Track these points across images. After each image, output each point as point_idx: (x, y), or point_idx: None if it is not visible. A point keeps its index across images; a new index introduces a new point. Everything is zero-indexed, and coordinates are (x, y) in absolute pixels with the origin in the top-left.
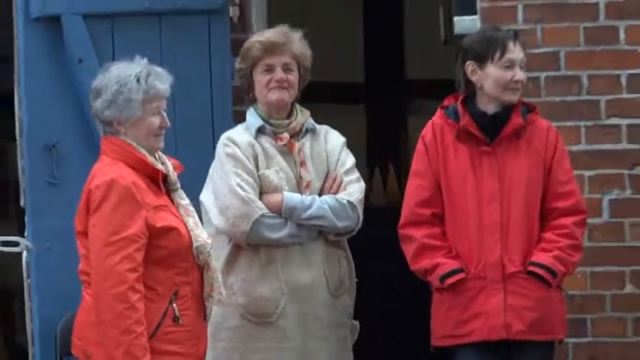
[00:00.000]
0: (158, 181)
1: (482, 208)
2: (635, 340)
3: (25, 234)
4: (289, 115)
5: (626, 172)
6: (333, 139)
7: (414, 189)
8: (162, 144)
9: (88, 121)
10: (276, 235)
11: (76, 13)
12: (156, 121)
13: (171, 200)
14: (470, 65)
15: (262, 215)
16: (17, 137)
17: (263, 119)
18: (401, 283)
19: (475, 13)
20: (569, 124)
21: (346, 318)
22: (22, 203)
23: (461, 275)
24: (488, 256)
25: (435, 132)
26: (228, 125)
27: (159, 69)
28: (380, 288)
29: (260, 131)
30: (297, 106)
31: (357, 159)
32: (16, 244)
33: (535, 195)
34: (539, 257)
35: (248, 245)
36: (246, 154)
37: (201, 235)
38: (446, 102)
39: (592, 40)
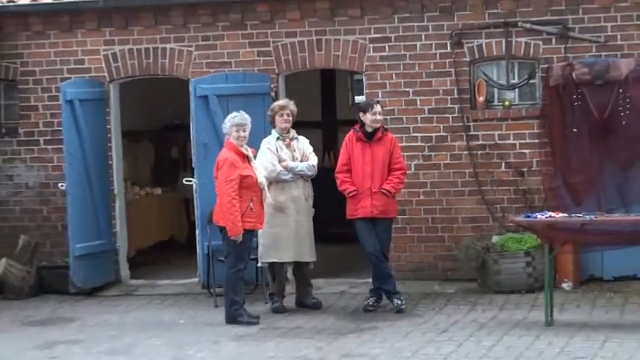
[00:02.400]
0: (244, 157)
1: (364, 168)
2: None
3: (195, 177)
4: (288, 132)
5: None
6: (303, 140)
7: (341, 158)
8: (244, 143)
9: (219, 133)
10: (284, 177)
11: (213, 94)
12: (240, 135)
13: (250, 164)
14: (360, 113)
15: (279, 171)
16: (192, 140)
17: (279, 134)
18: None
19: (363, 95)
20: None
21: (310, 208)
22: (193, 165)
23: (355, 191)
24: (365, 185)
25: (350, 137)
26: (267, 134)
27: (244, 114)
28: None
29: (278, 138)
30: (291, 129)
31: (316, 148)
32: (190, 181)
33: (386, 163)
34: (385, 186)
35: (275, 182)
36: (272, 148)
37: (259, 177)
38: (355, 126)
39: None
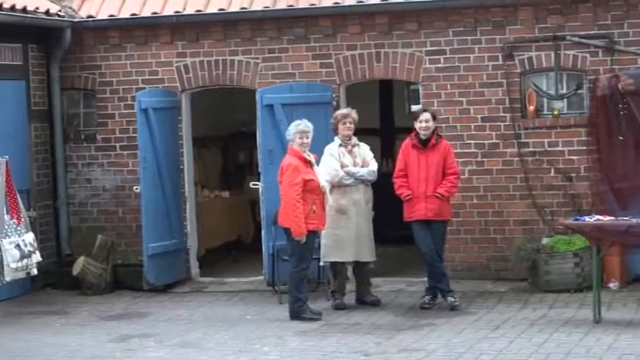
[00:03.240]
0: (307, 162)
1: (419, 173)
2: None
3: (261, 181)
4: (350, 139)
5: None
6: (364, 147)
7: (398, 164)
8: (306, 149)
9: (283, 140)
10: (346, 182)
11: (278, 103)
12: (303, 141)
13: (312, 169)
14: (414, 122)
15: (341, 176)
16: (258, 146)
17: (341, 141)
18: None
19: (419, 104)
20: None
21: (370, 211)
22: (259, 170)
23: (411, 195)
24: (419, 189)
25: (406, 144)
26: (330, 141)
27: (307, 122)
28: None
29: (340, 145)
30: (353, 136)
31: (374, 155)
32: (257, 184)
33: (440, 168)
34: (438, 190)
35: (337, 186)
36: (335, 154)
37: (321, 181)
38: (411, 134)
39: None
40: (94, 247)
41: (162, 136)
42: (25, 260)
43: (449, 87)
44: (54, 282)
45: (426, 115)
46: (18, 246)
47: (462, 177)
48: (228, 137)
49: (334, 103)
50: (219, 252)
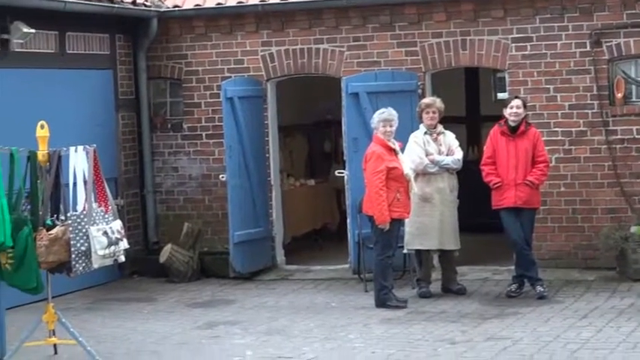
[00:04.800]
0: (391, 150)
1: (509, 161)
2: None
3: (346, 169)
4: (435, 128)
5: None
6: (450, 135)
7: (486, 151)
8: (390, 137)
9: (368, 128)
10: (431, 170)
11: (363, 91)
12: (386, 129)
13: (397, 157)
14: (504, 109)
15: (426, 164)
16: (343, 135)
17: (426, 128)
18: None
19: (505, 91)
20: None
21: (455, 199)
22: (344, 158)
23: (500, 183)
24: (509, 177)
25: (495, 131)
26: (415, 129)
27: (392, 111)
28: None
29: (425, 133)
30: (438, 124)
31: (460, 143)
32: (342, 172)
33: (529, 156)
34: (529, 177)
35: (422, 174)
36: (419, 142)
37: (406, 169)
38: (500, 121)
39: None
40: (180, 234)
41: (248, 125)
42: (113, 247)
43: (535, 74)
44: (141, 269)
45: (517, 102)
46: (105, 233)
47: (549, 165)
48: (313, 125)
49: (419, 91)
50: (305, 240)
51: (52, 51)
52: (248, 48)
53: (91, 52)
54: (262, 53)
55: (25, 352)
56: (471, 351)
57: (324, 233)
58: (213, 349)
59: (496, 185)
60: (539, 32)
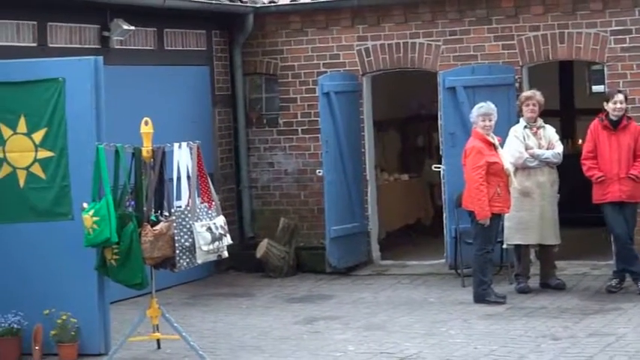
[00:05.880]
0: (490, 144)
1: (612, 155)
2: None
3: (442, 164)
4: (535, 121)
5: None
6: (550, 129)
7: (586, 146)
8: (489, 132)
9: (465, 123)
10: (531, 164)
11: (460, 86)
12: (485, 124)
13: (496, 151)
14: (604, 103)
15: (526, 158)
16: (440, 129)
17: (526, 122)
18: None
19: (601, 85)
20: None
21: (555, 193)
22: (441, 153)
23: (603, 177)
24: (612, 171)
25: (595, 125)
26: (513, 123)
27: (490, 105)
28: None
29: (525, 127)
30: (539, 118)
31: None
32: (438, 167)
33: (631, 150)
34: (632, 171)
35: (522, 168)
36: (519, 136)
37: (506, 164)
38: (601, 115)
39: None
40: (276, 230)
41: (344, 120)
42: (217, 243)
43: (635, 67)
44: (237, 265)
45: (620, 96)
46: (209, 229)
47: None
48: (406, 120)
49: (517, 84)
50: (399, 235)
51: (151, 48)
52: (344, 43)
53: (188, 48)
54: (358, 48)
55: (128, 347)
56: (574, 347)
57: (417, 228)
58: (314, 344)
59: (599, 179)
60: (639, 24)
